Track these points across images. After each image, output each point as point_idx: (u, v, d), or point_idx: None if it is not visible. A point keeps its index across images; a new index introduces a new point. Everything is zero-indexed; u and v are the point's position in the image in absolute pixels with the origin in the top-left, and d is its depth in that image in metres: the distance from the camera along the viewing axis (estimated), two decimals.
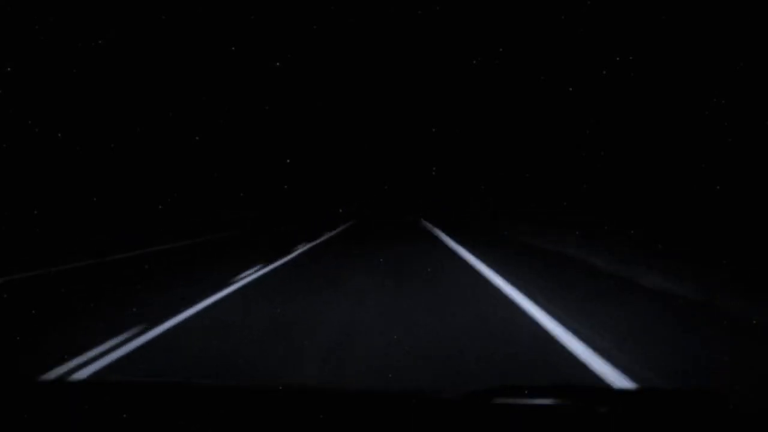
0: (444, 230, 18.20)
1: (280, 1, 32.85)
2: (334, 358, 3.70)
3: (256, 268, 8.25)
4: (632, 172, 11.66)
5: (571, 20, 14.62)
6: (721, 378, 3.27)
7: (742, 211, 7.72)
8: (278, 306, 5.56)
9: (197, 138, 25.85)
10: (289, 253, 10.84)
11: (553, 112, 17.64)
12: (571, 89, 15.48)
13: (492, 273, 7.60)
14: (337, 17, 37.30)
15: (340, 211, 31.44)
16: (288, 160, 41.71)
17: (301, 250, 11.80)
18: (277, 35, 33.97)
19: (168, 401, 1.32)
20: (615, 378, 3.24)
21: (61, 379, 3.20)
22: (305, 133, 46.82)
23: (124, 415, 1.20)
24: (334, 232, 18.55)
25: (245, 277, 7.47)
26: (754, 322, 4.46)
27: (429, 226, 22.34)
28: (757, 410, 1.14)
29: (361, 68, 48.42)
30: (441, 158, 50.99)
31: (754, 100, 8.30)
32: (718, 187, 8.36)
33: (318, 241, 14.43)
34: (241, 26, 28.84)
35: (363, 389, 1.38)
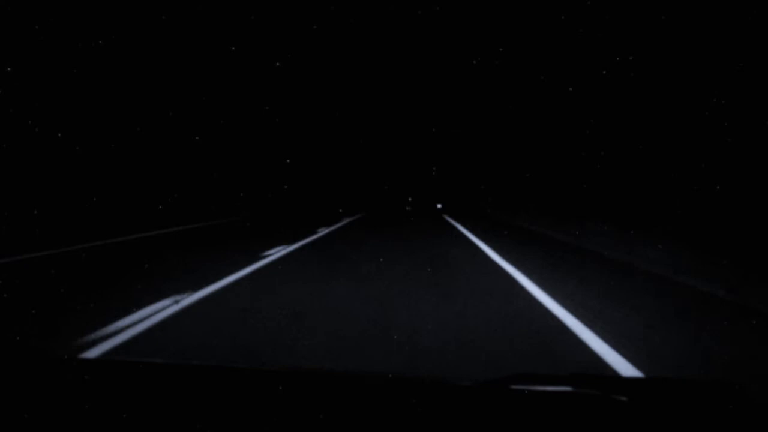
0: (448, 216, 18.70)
1: (280, 1, 32.88)
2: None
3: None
4: (632, 172, 11.66)
5: (571, 20, 14.63)
6: None
7: (739, 210, 7.72)
8: None
9: (197, 138, 25.84)
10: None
11: (553, 112, 17.66)
12: (571, 89, 15.50)
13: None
14: (337, 17, 37.33)
15: (340, 210, 31.56)
16: (288, 160, 41.74)
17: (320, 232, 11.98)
18: (277, 35, 34.01)
19: (175, 383, 1.32)
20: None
21: (72, 356, 3.17)
22: (305, 134, 46.85)
23: (134, 395, 1.20)
24: (337, 226, 18.64)
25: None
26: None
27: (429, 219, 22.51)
28: None
29: (361, 68, 48.46)
30: (441, 158, 50.99)
31: (754, 100, 8.30)
32: (718, 187, 8.37)
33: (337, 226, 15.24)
34: (241, 26, 28.87)
35: (379, 375, 1.38)
